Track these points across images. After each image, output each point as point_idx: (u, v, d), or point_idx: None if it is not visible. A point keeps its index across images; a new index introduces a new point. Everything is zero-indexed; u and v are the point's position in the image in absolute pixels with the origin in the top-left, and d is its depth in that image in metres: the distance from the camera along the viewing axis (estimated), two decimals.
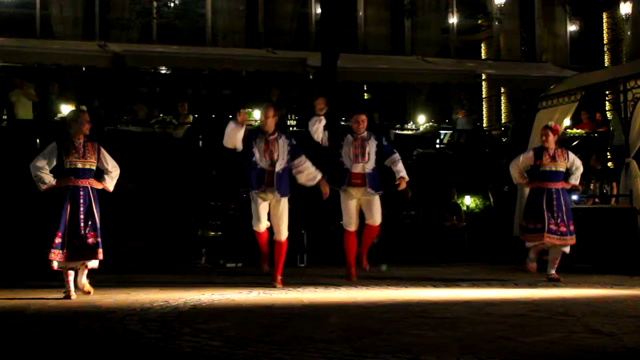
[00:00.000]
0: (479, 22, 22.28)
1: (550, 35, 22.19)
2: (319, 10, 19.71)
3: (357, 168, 9.60)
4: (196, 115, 17.62)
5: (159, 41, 19.07)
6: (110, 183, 8.37)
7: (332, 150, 9.72)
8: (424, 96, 20.94)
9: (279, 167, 9.16)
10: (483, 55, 22.50)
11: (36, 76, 17.25)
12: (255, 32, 20.01)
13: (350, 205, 9.71)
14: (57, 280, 8.35)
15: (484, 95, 22.11)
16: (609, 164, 15.27)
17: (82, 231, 8.03)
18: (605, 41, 21.86)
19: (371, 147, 9.68)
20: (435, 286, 9.28)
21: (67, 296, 7.98)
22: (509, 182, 14.46)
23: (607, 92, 16.06)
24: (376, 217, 9.70)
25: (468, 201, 16.28)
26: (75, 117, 8.30)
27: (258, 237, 9.34)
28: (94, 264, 8.26)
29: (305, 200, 12.01)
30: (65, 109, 16.56)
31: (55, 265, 8.05)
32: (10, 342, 5.35)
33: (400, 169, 9.76)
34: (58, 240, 7.94)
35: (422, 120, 19.14)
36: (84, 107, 8.36)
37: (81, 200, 8.07)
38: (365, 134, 9.70)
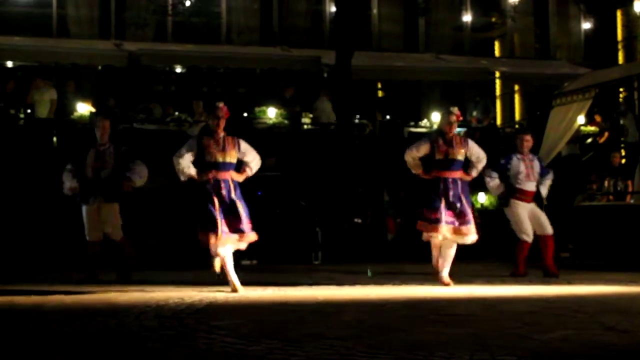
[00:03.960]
0: (493, 19, 22.20)
1: (564, 32, 22.12)
2: (333, 8, 19.70)
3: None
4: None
5: (174, 40, 19.13)
6: (250, 173, 8.63)
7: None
8: (438, 94, 20.91)
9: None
10: (497, 53, 22.45)
11: (53, 75, 17.35)
12: (270, 30, 20.03)
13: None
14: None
15: (497, 93, 22.06)
16: (623, 161, 15.23)
17: (227, 221, 8.30)
18: (619, 39, 21.74)
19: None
20: None
21: (234, 290, 8.28)
22: None
23: (620, 90, 16.02)
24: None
25: (482, 198, 16.25)
26: (211, 113, 8.48)
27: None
28: (242, 246, 8.54)
29: (320, 199, 12.03)
30: (82, 107, 16.67)
31: (214, 251, 8.39)
32: (26, 339, 5.41)
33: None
34: (211, 231, 8.27)
35: (435, 118, 19.10)
36: (219, 104, 8.44)
37: (223, 192, 8.32)
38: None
